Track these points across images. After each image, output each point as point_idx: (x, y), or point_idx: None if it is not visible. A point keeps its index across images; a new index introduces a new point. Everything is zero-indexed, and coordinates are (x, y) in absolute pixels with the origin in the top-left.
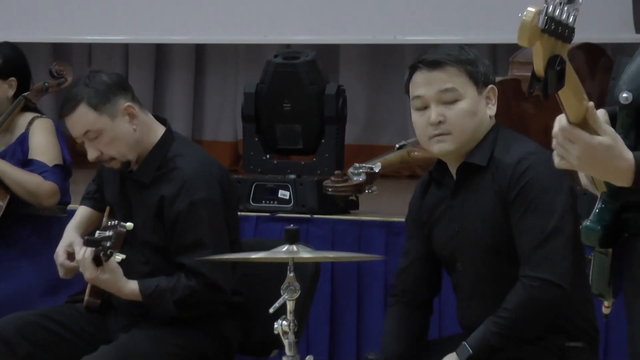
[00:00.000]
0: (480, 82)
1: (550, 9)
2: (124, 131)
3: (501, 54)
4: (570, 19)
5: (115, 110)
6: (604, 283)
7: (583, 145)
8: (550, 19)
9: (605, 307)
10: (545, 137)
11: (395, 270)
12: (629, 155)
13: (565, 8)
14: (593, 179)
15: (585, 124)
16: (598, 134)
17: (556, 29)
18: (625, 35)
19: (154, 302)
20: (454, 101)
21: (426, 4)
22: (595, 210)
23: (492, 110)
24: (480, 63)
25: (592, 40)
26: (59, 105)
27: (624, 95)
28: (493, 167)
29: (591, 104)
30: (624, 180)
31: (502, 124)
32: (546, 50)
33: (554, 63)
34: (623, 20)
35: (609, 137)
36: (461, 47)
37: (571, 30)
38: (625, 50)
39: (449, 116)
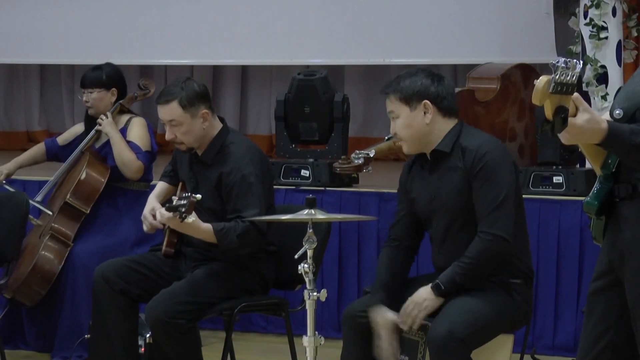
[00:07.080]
0: (411, 101)
1: (557, 77)
2: (197, 128)
3: (460, 71)
4: (573, 78)
5: (196, 113)
6: (601, 236)
7: (572, 126)
8: (557, 84)
9: None
10: (491, 131)
11: (390, 224)
12: (604, 124)
13: (568, 72)
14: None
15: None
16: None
17: (562, 89)
18: (548, 57)
19: (223, 235)
20: (396, 118)
21: (406, 36)
22: (594, 189)
23: (428, 119)
24: (412, 87)
25: (525, 62)
26: (146, 108)
27: (617, 112)
28: (458, 151)
29: (575, 94)
30: (597, 140)
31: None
32: (554, 104)
33: (560, 112)
34: (547, 47)
35: (587, 112)
36: (399, 79)
37: (573, 85)
38: (548, 68)
39: (396, 129)
